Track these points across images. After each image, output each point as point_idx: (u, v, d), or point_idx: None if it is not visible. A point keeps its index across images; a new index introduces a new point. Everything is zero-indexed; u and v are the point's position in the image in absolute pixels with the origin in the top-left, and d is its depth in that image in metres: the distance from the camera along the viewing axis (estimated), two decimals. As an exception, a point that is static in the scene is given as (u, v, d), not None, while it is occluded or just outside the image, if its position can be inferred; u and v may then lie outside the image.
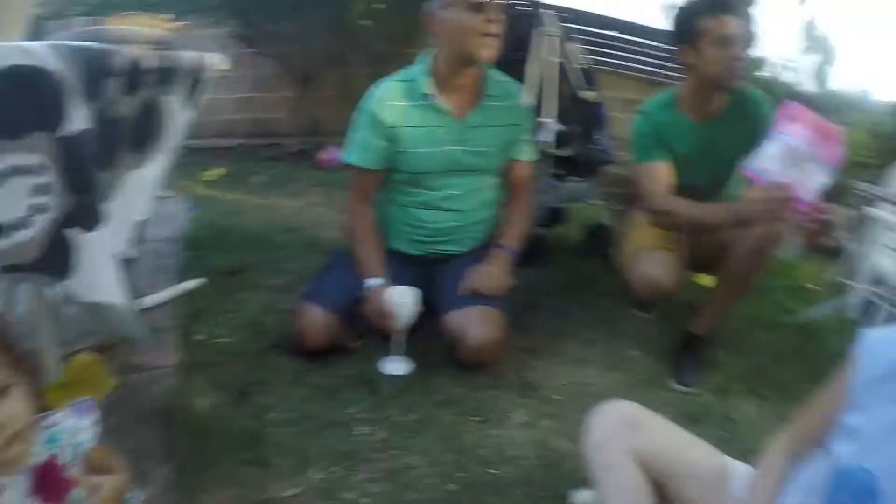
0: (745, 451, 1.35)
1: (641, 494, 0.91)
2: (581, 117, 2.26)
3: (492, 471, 1.23)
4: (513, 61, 2.13)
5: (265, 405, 1.33)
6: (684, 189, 1.76)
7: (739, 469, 0.95)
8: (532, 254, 2.27)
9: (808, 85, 4.24)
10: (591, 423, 0.99)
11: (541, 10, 2.24)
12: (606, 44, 3.78)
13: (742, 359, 1.92)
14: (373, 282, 1.50)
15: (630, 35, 3.91)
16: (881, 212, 2.35)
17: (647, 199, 1.74)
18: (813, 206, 1.38)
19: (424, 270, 1.68)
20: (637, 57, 3.93)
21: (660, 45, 3.85)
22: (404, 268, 1.64)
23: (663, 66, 3.86)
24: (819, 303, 2.62)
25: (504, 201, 1.80)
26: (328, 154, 3.47)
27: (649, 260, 1.72)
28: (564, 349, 1.79)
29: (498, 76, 1.67)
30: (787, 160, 1.41)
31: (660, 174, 1.71)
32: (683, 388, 1.67)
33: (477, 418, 1.40)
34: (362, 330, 1.58)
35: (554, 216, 2.46)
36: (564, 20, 2.34)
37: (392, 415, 1.36)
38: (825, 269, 3.64)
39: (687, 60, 1.67)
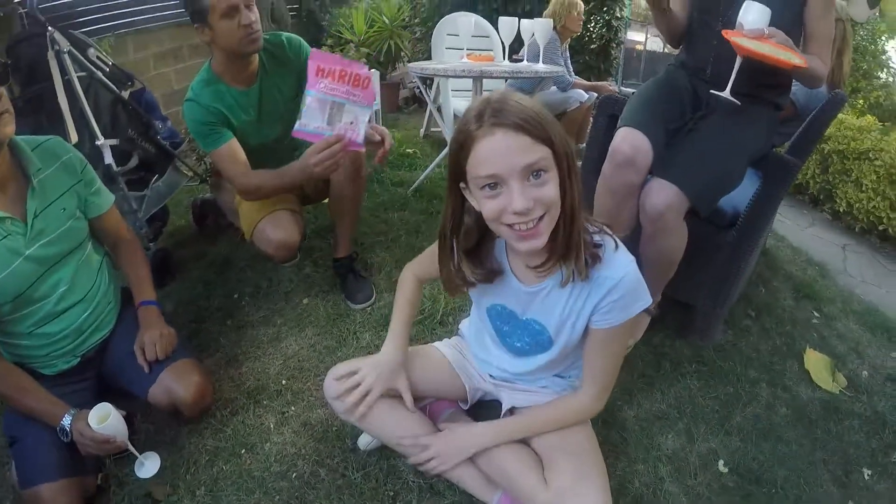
0: (436, 324, 2.03)
1: (398, 420, 1.37)
2: (132, 117, 2.23)
3: (293, 476, 1.51)
4: (39, 97, 1.99)
5: None
6: (264, 149, 2.08)
7: (445, 348, 1.54)
8: (165, 271, 2.36)
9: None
10: (327, 397, 1.39)
11: (49, 29, 1.99)
12: (118, 4, 3.56)
13: (391, 249, 2.55)
14: (64, 422, 1.42)
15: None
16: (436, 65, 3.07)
17: (232, 181, 1.96)
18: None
19: (93, 369, 1.65)
20: (156, 5, 3.88)
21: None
22: (76, 383, 1.60)
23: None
24: (424, 165, 3.53)
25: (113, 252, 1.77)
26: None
27: (270, 225, 2.00)
28: (254, 338, 2.04)
29: (32, 143, 1.51)
30: (329, 113, 1.71)
31: (231, 155, 1.92)
32: (360, 306, 2.16)
33: (244, 450, 1.60)
34: (96, 466, 1.53)
35: (157, 223, 2.50)
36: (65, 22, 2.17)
37: (184, 508, 1.46)
38: (414, 130, 4.63)
39: (206, 39, 1.84)
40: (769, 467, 1.61)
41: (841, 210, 3.85)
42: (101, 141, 2.05)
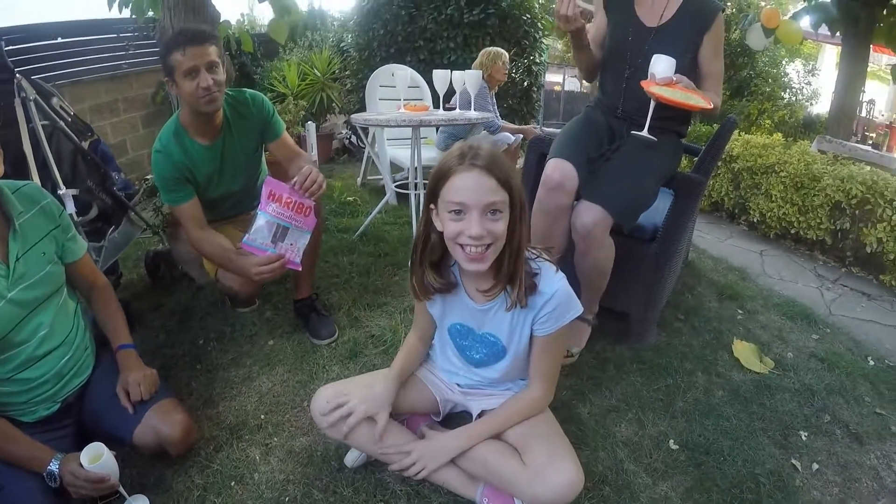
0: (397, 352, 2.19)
1: (373, 433, 1.55)
2: (91, 168, 2.32)
3: (286, 500, 1.61)
4: (3, 144, 2.06)
5: None
6: (225, 198, 2.28)
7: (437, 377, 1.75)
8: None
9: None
10: (314, 418, 1.58)
11: (17, 76, 2.08)
12: (56, 55, 3.74)
13: (346, 290, 2.75)
14: (52, 467, 1.42)
15: (77, 36, 3.97)
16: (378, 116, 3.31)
17: (188, 236, 2.16)
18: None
19: (72, 416, 1.68)
20: (93, 57, 4.07)
21: (111, 36, 4.15)
22: (56, 430, 1.62)
23: (122, 56, 4.29)
24: (365, 211, 3.81)
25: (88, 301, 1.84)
26: None
27: None
28: (226, 379, 2.15)
29: (11, 187, 1.58)
30: (274, 233, 2.04)
31: (189, 213, 2.12)
32: (325, 341, 2.33)
33: (233, 482, 1.69)
34: None
35: (111, 276, 2.55)
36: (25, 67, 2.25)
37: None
38: (350, 178, 4.92)
39: (174, 92, 2.02)
40: (715, 440, 1.87)
41: (755, 220, 4.32)
42: (63, 190, 2.13)
